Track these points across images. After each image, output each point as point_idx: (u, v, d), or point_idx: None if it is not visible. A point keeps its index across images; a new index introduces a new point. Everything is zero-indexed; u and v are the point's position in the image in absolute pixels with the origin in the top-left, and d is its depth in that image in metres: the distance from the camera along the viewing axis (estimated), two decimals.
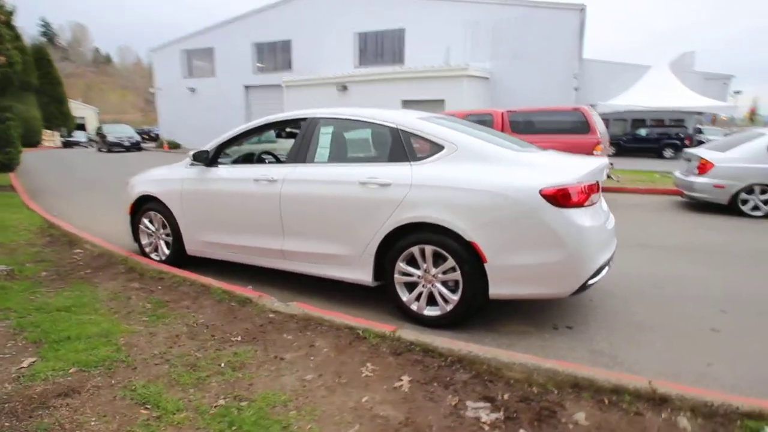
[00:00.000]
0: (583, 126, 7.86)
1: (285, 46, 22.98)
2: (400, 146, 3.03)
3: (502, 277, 2.69)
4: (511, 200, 2.62)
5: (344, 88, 17.58)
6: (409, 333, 2.61)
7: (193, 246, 3.96)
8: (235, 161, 4.10)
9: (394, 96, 16.49)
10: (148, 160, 17.94)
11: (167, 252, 4.16)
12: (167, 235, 4.12)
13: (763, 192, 6.35)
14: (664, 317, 3.14)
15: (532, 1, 17.48)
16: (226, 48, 24.58)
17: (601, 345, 2.73)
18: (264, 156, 4.44)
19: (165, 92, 27.42)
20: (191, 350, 2.50)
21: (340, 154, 3.37)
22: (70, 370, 2.26)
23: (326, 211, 3.17)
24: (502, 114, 8.55)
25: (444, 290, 2.87)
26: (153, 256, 4.28)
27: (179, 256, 4.09)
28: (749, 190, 6.39)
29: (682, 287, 3.71)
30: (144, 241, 4.33)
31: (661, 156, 19.66)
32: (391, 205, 2.90)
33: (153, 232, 4.22)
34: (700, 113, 23.55)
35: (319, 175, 3.23)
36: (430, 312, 2.94)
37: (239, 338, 2.66)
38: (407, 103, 16.30)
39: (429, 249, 2.85)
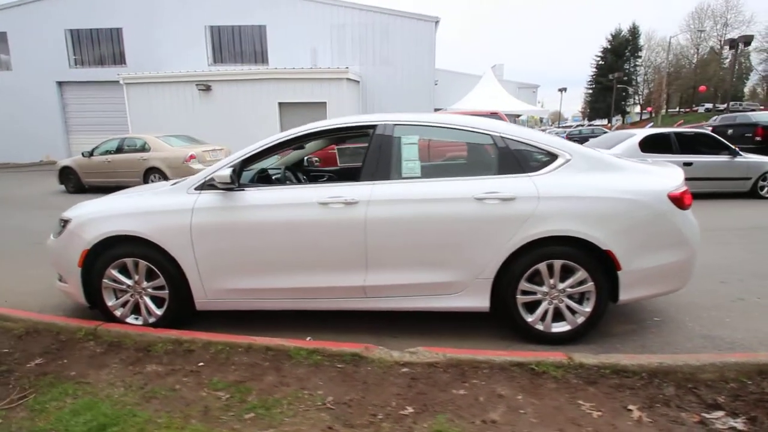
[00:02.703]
0: None
1: (114, 36, 19.11)
2: (510, 156, 2.79)
3: (633, 281, 2.72)
4: (644, 205, 2.66)
5: (207, 87, 15.56)
6: (585, 357, 2.43)
7: (211, 296, 2.94)
8: (253, 181, 3.20)
9: (268, 98, 15.38)
10: None
11: (159, 311, 3.00)
12: (158, 288, 2.97)
13: None
14: (717, 296, 3.62)
15: (393, 10, 18.37)
16: (26, 34, 19.12)
17: (702, 330, 3.00)
18: (282, 175, 3.57)
19: None
20: None
21: (433, 167, 2.92)
22: None
23: (431, 235, 2.71)
24: None
25: (573, 304, 2.77)
26: (131, 319, 3.04)
27: (179, 315, 3.00)
28: None
29: None
30: (111, 301, 3.03)
31: None
32: (517, 221, 2.65)
33: (130, 286, 2.99)
34: (518, 116, 28.44)
35: (417, 193, 2.73)
36: (558, 329, 2.79)
37: (408, 409, 2.07)
38: (285, 106, 15.41)
39: (558, 263, 2.70)
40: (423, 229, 2.71)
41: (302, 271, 2.84)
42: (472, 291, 2.78)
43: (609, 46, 60.77)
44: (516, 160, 2.78)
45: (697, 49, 55.44)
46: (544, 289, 2.75)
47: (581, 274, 2.69)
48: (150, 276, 2.97)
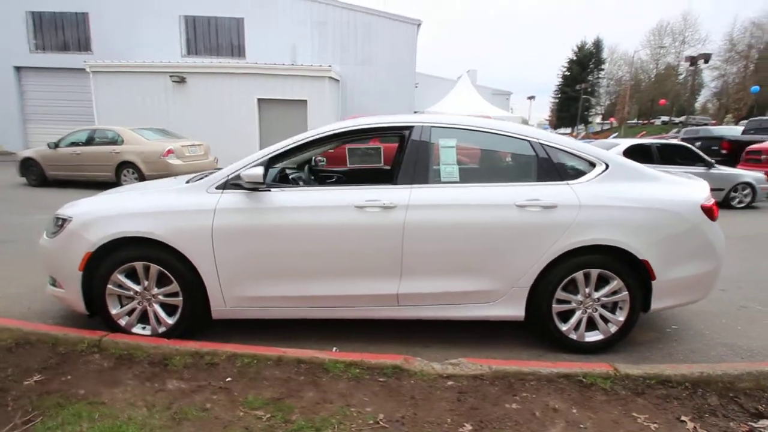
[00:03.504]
0: None
1: (79, 20, 17.99)
2: (548, 164, 2.74)
3: (665, 291, 2.74)
4: (680, 215, 2.68)
5: (182, 79, 14.91)
6: (629, 368, 2.41)
7: (231, 304, 2.73)
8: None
9: (246, 93, 14.91)
10: None
11: (170, 320, 2.76)
12: (170, 294, 2.74)
13: None
14: (721, 304, 3.72)
15: (375, 10, 18.25)
16: None
17: (720, 338, 3.07)
18: (297, 175, 3.39)
19: None
20: None
21: (470, 172, 2.83)
22: None
23: (470, 242, 2.63)
24: None
25: (606, 313, 2.76)
26: (137, 329, 2.79)
27: (193, 324, 2.78)
28: None
29: None
30: (115, 309, 2.77)
31: None
32: (558, 229, 2.61)
33: (137, 293, 2.74)
34: None
35: (457, 198, 2.64)
36: (592, 338, 2.78)
37: (467, 426, 1.97)
38: (264, 102, 15.00)
39: (595, 272, 2.68)
40: (462, 235, 2.62)
41: (333, 278, 2.69)
42: (508, 300, 2.72)
43: (575, 58, 63.26)
44: (555, 167, 2.74)
45: (657, 64, 58.55)
46: (579, 298, 2.73)
47: (617, 283, 2.69)
48: (161, 281, 2.74)
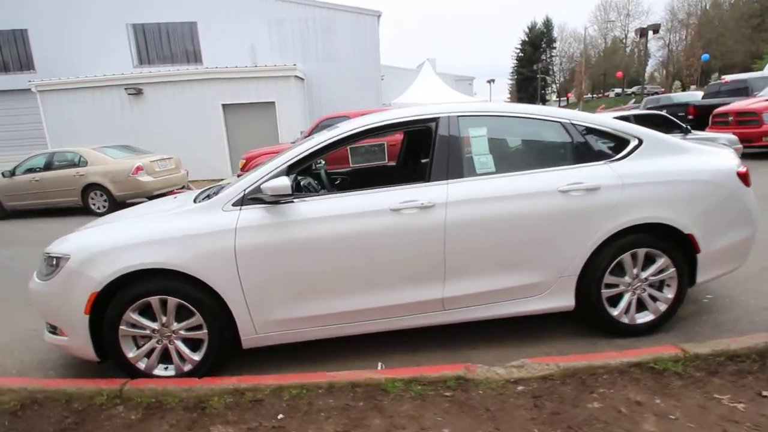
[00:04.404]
0: None
1: (18, 38, 16.70)
2: (584, 144, 2.63)
3: (709, 263, 2.69)
4: (720, 185, 2.63)
5: (138, 91, 14.09)
6: (696, 347, 2.34)
7: (263, 330, 2.48)
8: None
9: (210, 100, 14.24)
10: None
11: (196, 356, 2.49)
12: (192, 328, 2.46)
13: None
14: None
15: (333, 4, 17.84)
16: None
17: (759, 303, 3.05)
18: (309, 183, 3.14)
19: None
20: None
21: (506, 160, 2.67)
22: None
23: (515, 234, 2.48)
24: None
25: (655, 292, 2.68)
26: (159, 370, 2.51)
27: (221, 356, 2.52)
28: None
29: None
30: (132, 352, 2.47)
31: None
32: (604, 211, 2.50)
33: (155, 330, 2.45)
34: None
35: (498, 190, 2.48)
36: (643, 319, 2.70)
37: None
38: (230, 107, 14.40)
39: (642, 252, 2.60)
40: (506, 228, 2.47)
41: (372, 290, 2.49)
42: (557, 290, 2.59)
43: (527, 39, 64.64)
44: (590, 147, 2.63)
45: (605, 39, 60.50)
46: (627, 279, 2.64)
47: (664, 261, 2.61)
48: (180, 315, 2.46)
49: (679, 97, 16.33)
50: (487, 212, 2.45)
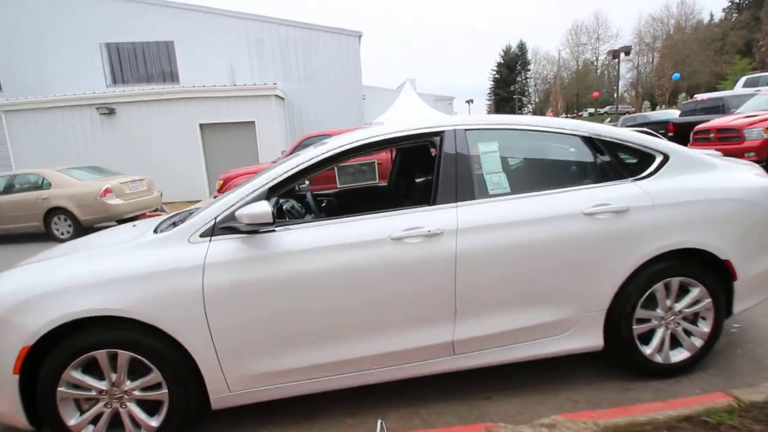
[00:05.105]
0: None
1: None
2: (607, 160, 2.33)
3: (747, 291, 2.40)
4: (755, 203, 2.35)
5: (110, 111, 13.51)
6: (747, 393, 2.01)
7: (236, 387, 2.04)
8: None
9: (185, 119, 13.75)
10: None
11: (153, 421, 2.02)
12: (149, 387, 2.01)
13: None
14: None
15: (314, 25, 17.75)
16: None
17: None
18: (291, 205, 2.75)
19: None
20: None
21: (522, 179, 2.34)
22: None
23: (535, 264, 2.14)
24: None
25: (689, 326, 2.36)
26: None
27: (185, 421, 2.06)
28: None
29: None
30: (73, 419, 1.99)
31: None
32: (634, 235, 2.19)
33: (103, 392, 1.99)
34: None
35: (515, 214, 2.14)
36: (678, 357, 2.37)
37: None
38: (207, 127, 13.94)
39: (676, 281, 2.28)
40: (525, 257, 2.13)
41: (370, 334, 2.09)
42: (583, 327, 2.25)
43: (502, 61, 66.47)
44: (614, 163, 2.33)
45: (577, 61, 62.59)
46: (659, 313, 2.32)
47: (699, 291, 2.30)
48: (134, 370, 2.00)
49: (656, 115, 16.63)
50: (503, 240, 2.11)
